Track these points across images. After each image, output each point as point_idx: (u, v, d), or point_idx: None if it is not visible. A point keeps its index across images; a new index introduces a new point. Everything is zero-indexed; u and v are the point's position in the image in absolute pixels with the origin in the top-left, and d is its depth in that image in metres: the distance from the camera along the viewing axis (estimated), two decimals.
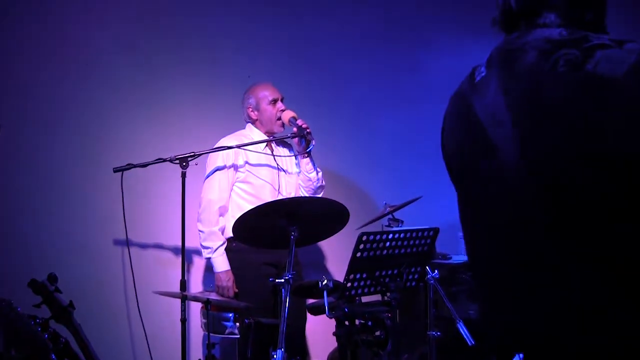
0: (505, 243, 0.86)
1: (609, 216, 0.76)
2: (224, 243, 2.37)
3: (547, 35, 0.83)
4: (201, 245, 2.38)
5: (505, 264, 0.86)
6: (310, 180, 2.48)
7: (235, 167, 2.39)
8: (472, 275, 0.96)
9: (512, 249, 0.85)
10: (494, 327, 0.89)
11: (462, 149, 0.94)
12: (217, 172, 2.36)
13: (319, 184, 2.50)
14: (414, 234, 1.96)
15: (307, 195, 2.49)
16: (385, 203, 2.61)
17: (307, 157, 2.45)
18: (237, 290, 2.37)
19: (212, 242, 2.34)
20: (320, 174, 2.51)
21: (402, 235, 1.93)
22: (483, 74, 0.90)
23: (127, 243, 2.28)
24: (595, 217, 0.77)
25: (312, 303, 2.31)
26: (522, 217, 0.82)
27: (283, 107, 2.46)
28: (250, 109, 2.48)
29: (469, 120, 0.91)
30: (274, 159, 2.46)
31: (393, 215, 2.58)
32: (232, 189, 2.40)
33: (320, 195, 2.51)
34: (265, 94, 2.46)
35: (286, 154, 2.54)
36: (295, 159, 2.54)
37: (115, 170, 2.20)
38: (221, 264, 2.35)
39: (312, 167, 2.47)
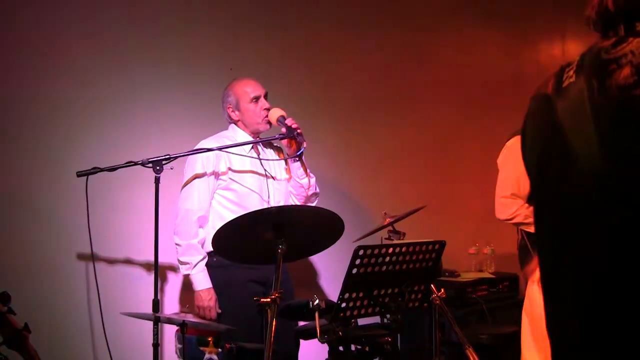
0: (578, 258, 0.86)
1: None
2: (204, 258, 2.36)
3: None
4: (178, 260, 2.37)
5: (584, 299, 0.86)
6: (302, 186, 2.48)
7: (216, 173, 2.39)
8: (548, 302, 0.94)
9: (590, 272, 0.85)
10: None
11: (542, 156, 0.95)
12: (196, 179, 2.36)
13: (312, 191, 2.50)
14: (417, 248, 1.96)
15: (298, 203, 2.49)
16: (385, 213, 2.61)
17: (298, 160, 2.45)
18: (219, 311, 2.36)
19: (191, 257, 2.34)
20: (313, 179, 2.51)
21: (403, 249, 1.93)
22: (572, 80, 0.89)
23: (92, 257, 2.27)
24: None
25: (302, 326, 2.31)
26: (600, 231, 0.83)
27: (267, 105, 2.46)
28: (231, 109, 2.48)
29: (552, 125, 0.91)
30: (261, 163, 2.46)
31: (394, 227, 2.59)
32: (212, 197, 2.40)
33: (313, 204, 2.51)
34: (246, 90, 2.45)
35: (275, 158, 2.54)
36: (285, 163, 2.54)
37: (79, 175, 2.19)
38: (202, 281, 2.34)
39: (303, 172, 2.47)
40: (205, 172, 2.37)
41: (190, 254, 2.34)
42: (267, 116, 2.44)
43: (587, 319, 0.85)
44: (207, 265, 2.37)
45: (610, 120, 0.83)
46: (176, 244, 2.36)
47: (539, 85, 0.97)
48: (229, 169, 2.39)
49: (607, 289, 0.83)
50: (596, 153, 0.84)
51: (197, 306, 2.34)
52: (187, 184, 2.38)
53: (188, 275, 2.35)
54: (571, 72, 0.90)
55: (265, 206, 2.38)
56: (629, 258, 0.80)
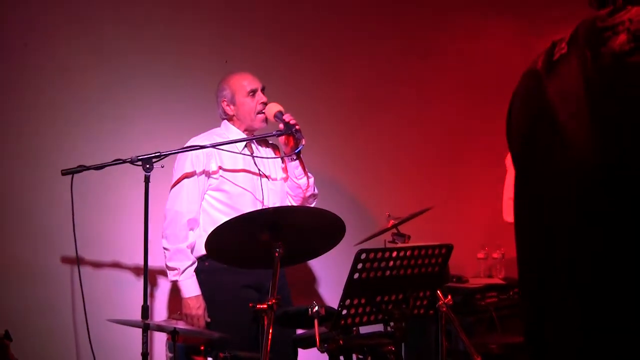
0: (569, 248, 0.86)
1: None
2: (193, 263, 2.36)
3: None
4: (166, 265, 2.37)
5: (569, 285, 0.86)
6: (299, 187, 2.47)
7: (207, 172, 2.38)
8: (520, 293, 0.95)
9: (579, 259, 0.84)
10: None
11: (528, 135, 0.94)
12: (185, 179, 2.36)
13: (310, 192, 2.50)
14: (422, 252, 1.96)
15: (296, 204, 2.48)
16: (389, 214, 2.61)
17: (296, 159, 2.45)
18: (208, 320, 2.36)
19: (179, 262, 2.34)
20: (312, 180, 2.51)
21: (408, 253, 1.93)
22: (563, 51, 0.89)
23: (78, 261, 2.27)
24: None
25: (301, 334, 2.31)
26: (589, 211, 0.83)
27: (264, 99, 2.46)
28: (226, 103, 2.48)
29: (540, 103, 0.91)
30: (255, 162, 2.46)
31: (398, 229, 2.59)
32: (203, 199, 2.40)
33: (312, 206, 2.50)
34: (243, 84, 2.46)
35: (270, 156, 2.53)
36: (282, 162, 2.54)
37: (64, 173, 2.19)
38: (190, 287, 2.34)
39: (301, 171, 2.46)
40: (195, 172, 2.37)
41: (179, 259, 2.34)
42: (263, 111, 2.43)
43: (585, 322, 0.85)
44: (198, 270, 2.37)
45: (602, 90, 0.83)
46: (164, 248, 2.37)
47: (530, 62, 0.97)
48: (220, 167, 2.39)
49: (603, 283, 0.82)
50: (587, 126, 0.83)
51: (185, 314, 2.34)
52: (175, 184, 2.38)
53: (176, 281, 2.35)
54: (563, 44, 0.90)
55: (259, 207, 2.38)
56: (624, 250, 0.80)
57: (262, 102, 2.44)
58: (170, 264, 2.35)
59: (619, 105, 0.81)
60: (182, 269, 2.33)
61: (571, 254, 0.86)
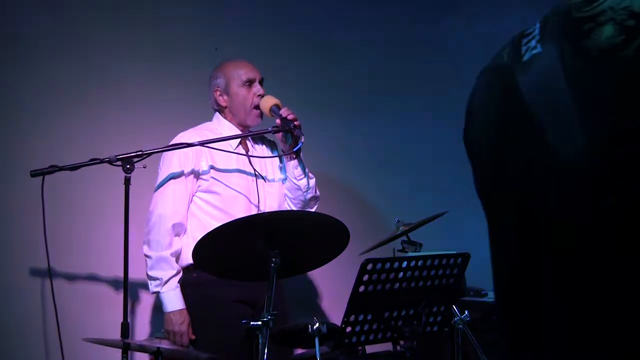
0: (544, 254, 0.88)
1: None
2: (177, 273, 2.36)
3: (627, 4, 0.83)
4: (147, 275, 2.37)
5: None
6: (299, 188, 2.48)
7: (196, 173, 2.39)
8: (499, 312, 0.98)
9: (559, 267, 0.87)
10: None
11: (503, 136, 0.95)
12: (172, 179, 2.36)
13: (311, 194, 2.51)
14: (436, 262, 1.96)
15: (295, 208, 2.48)
16: (398, 220, 2.61)
17: (294, 158, 2.45)
18: (193, 337, 2.36)
19: (162, 272, 2.33)
20: (313, 180, 2.51)
21: (420, 263, 1.93)
22: (535, 52, 0.90)
23: (50, 273, 2.26)
24: None
25: (300, 354, 2.31)
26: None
27: (261, 92, 2.46)
28: (218, 93, 2.48)
29: (515, 101, 0.91)
30: (250, 161, 2.46)
31: (408, 237, 2.59)
32: (191, 201, 2.40)
33: (312, 210, 2.50)
34: (239, 72, 2.46)
35: (267, 155, 2.53)
36: (280, 161, 2.54)
37: (34, 174, 2.18)
38: (172, 301, 2.34)
39: (301, 171, 2.47)
40: (183, 172, 2.36)
41: (161, 267, 2.33)
42: (258, 106, 2.43)
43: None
44: (185, 282, 2.37)
45: (592, 87, 0.84)
46: (145, 256, 2.36)
47: (492, 58, 0.97)
48: (211, 167, 2.39)
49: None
50: (577, 128, 0.84)
51: (167, 331, 2.34)
52: (160, 186, 2.38)
53: (157, 293, 2.35)
54: (533, 42, 0.90)
55: (254, 211, 2.38)
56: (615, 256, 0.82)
57: (259, 95, 2.45)
58: (151, 274, 2.35)
59: (612, 103, 0.82)
60: (164, 279, 2.33)
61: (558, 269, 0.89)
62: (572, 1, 0.88)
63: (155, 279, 2.34)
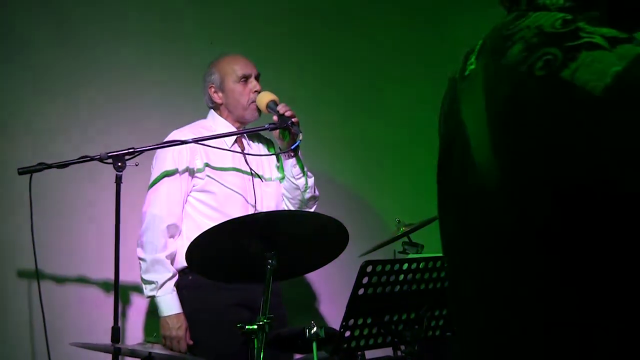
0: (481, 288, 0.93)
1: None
2: (173, 276, 2.36)
3: (541, 23, 0.88)
4: (142, 278, 2.37)
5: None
6: (297, 188, 2.48)
7: (191, 171, 2.38)
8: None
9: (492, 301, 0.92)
10: None
11: (446, 150, 1.01)
12: (166, 178, 2.36)
13: (309, 194, 2.51)
14: (438, 264, 1.96)
15: (293, 208, 2.49)
16: (399, 221, 2.61)
17: (293, 156, 2.45)
18: (191, 342, 2.36)
19: (157, 275, 2.33)
20: (312, 180, 2.51)
21: (421, 265, 1.94)
22: (472, 67, 0.96)
23: (37, 275, 2.25)
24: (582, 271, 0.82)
25: (298, 359, 2.30)
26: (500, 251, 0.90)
27: (258, 88, 2.46)
28: (213, 90, 2.48)
29: (456, 118, 0.97)
30: (245, 159, 2.45)
31: (409, 238, 2.59)
32: (186, 201, 2.40)
33: (311, 210, 2.50)
34: (234, 68, 2.46)
35: (264, 153, 2.53)
36: (277, 160, 2.54)
37: (21, 172, 2.18)
38: (169, 304, 2.34)
39: (299, 170, 2.47)
40: (177, 170, 2.36)
41: (156, 270, 2.33)
42: (254, 102, 2.43)
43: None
44: (180, 285, 2.37)
45: (501, 109, 0.88)
46: (140, 259, 2.36)
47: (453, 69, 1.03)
48: (206, 165, 2.39)
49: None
50: (489, 150, 0.89)
51: (163, 336, 2.34)
52: (154, 185, 2.38)
53: (153, 297, 2.35)
54: (473, 59, 0.96)
55: (251, 211, 2.38)
56: (522, 272, 0.87)
57: (255, 91, 2.45)
58: (146, 277, 2.34)
59: (516, 127, 0.87)
60: (160, 282, 2.32)
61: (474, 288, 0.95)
62: (505, 19, 0.94)
63: (150, 282, 2.34)
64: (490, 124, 0.89)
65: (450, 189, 1.00)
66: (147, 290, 2.35)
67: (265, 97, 2.42)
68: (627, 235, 0.80)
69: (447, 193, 1.01)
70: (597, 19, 0.88)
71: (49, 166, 2.20)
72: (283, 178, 2.52)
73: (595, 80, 0.80)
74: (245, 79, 2.46)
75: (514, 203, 0.86)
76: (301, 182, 2.48)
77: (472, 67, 0.95)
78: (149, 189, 2.40)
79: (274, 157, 2.55)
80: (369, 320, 1.91)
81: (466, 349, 0.97)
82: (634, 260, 0.80)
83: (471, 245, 0.94)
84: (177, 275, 2.37)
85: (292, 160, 2.46)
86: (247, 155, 2.47)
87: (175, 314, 2.34)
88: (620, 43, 0.83)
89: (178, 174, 2.37)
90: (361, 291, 1.86)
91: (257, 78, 2.48)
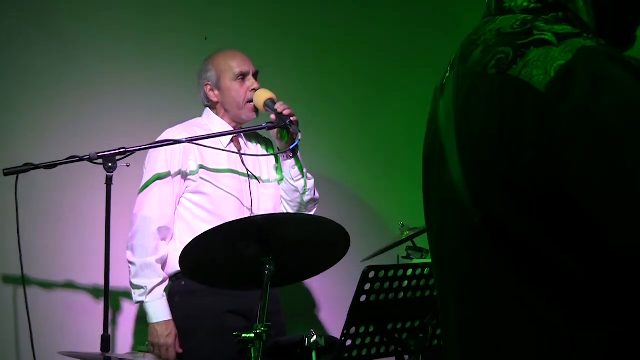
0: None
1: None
2: (163, 281, 2.36)
3: (502, 26, 0.93)
4: (131, 283, 2.37)
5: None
6: (296, 190, 2.47)
7: (183, 173, 2.38)
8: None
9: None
10: None
11: (427, 157, 1.06)
12: (158, 180, 2.36)
13: (309, 197, 2.50)
14: None
15: (292, 211, 2.48)
16: (403, 224, 2.61)
17: (292, 157, 2.44)
18: (180, 351, 2.35)
19: (146, 280, 2.33)
20: (311, 182, 2.51)
21: (426, 271, 1.93)
22: (447, 75, 1.00)
23: (23, 280, 2.24)
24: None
25: None
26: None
27: (256, 86, 2.46)
28: (209, 87, 2.48)
29: (435, 125, 1.02)
30: (242, 160, 2.45)
31: (414, 242, 2.58)
32: (179, 203, 2.39)
33: (311, 213, 2.50)
34: (231, 65, 2.46)
35: (261, 153, 2.53)
36: (276, 160, 2.54)
37: (7, 173, 2.17)
38: (158, 311, 2.33)
39: (298, 172, 2.46)
40: (170, 171, 2.36)
41: (146, 275, 2.33)
42: (252, 101, 2.43)
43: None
44: (173, 291, 2.37)
45: (459, 107, 0.93)
46: (129, 262, 2.36)
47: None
48: (200, 166, 2.38)
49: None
50: (455, 148, 0.94)
51: (152, 343, 2.34)
52: (145, 187, 2.37)
53: (142, 303, 2.35)
54: (449, 68, 1.01)
55: (247, 214, 2.37)
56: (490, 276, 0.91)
57: (253, 89, 2.45)
58: (135, 282, 2.34)
59: (470, 128, 0.91)
60: (149, 287, 2.32)
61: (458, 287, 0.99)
62: (478, 25, 0.99)
63: (139, 287, 2.33)
64: (455, 127, 0.94)
65: (432, 196, 1.04)
66: (136, 295, 2.35)
67: (263, 95, 2.42)
68: (582, 234, 0.83)
69: (429, 200, 1.06)
70: (562, 19, 0.91)
71: (36, 167, 2.20)
72: (281, 179, 2.51)
73: (541, 76, 0.84)
74: (243, 76, 2.45)
75: (479, 204, 0.90)
76: (300, 184, 2.47)
77: (447, 75, 1.00)
78: (140, 191, 2.39)
79: (272, 157, 2.54)
80: (371, 329, 1.91)
81: (446, 343, 1.01)
82: (595, 256, 0.83)
83: (451, 247, 0.98)
84: (168, 280, 2.37)
85: (291, 161, 2.45)
86: (243, 156, 2.46)
87: (165, 321, 2.33)
88: (569, 38, 0.86)
89: (170, 176, 2.36)
90: (363, 298, 1.86)
91: (255, 76, 2.48)
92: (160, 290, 2.34)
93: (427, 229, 1.08)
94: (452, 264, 0.97)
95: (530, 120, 0.84)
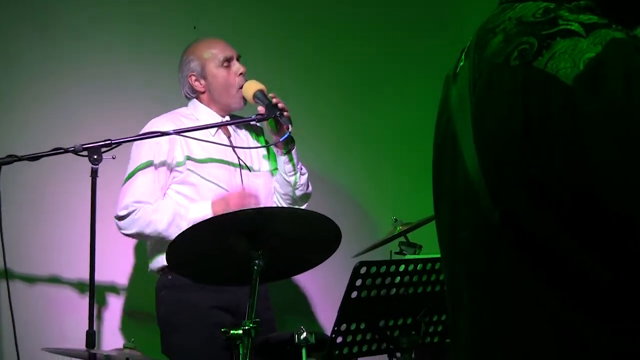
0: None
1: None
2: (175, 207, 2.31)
3: (523, 14, 0.90)
4: (159, 235, 2.29)
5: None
6: (289, 184, 2.47)
7: (169, 164, 2.37)
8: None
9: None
10: None
11: (438, 148, 1.04)
12: (141, 171, 2.34)
13: (301, 192, 2.50)
14: (436, 266, 1.96)
15: (284, 205, 2.48)
16: (395, 220, 2.61)
17: (285, 153, 2.43)
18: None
19: (163, 213, 2.28)
20: (305, 177, 2.50)
21: (419, 266, 1.94)
22: (462, 63, 0.98)
23: (6, 275, 2.26)
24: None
25: None
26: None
27: (242, 69, 2.44)
28: (194, 78, 2.46)
29: (447, 115, 1.00)
30: (233, 149, 2.45)
31: (407, 238, 2.59)
32: (165, 194, 2.38)
33: (302, 207, 2.50)
34: (213, 52, 2.44)
35: (251, 142, 2.53)
36: (267, 151, 2.53)
37: None
38: (201, 207, 2.27)
39: (292, 168, 2.45)
40: (154, 162, 2.34)
41: (158, 211, 2.27)
42: (242, 87, 2.42)
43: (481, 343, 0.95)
44: (159, 285, 2.37)
45: (478, 105, 0.91)
46: (134, 234, 2.32)
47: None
48: (187, 157, 2.37)
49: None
50: (470, 141, 0.92)
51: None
52: (129, 177, 2.35)
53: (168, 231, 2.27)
54: (463, 55, 0.99)
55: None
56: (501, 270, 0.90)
57: (240, 73, 2.43)
58: (153, 218, 2.27)
59: (490, 121, 0.89)
60: (171, 211, 2.27)
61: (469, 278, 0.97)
62: (493, 12, 0.97)
63: (168, 222, 2.26)
64: (472, 119, 0.92)
65: (443, 187, 1.02)
66: (171, 230, 2.24)
67: (253, 86, 2.40)
68: (610, 235, 0.81)
69: (440, 191, 1.04)
70: (585, 8, 0.89)
71: (20, 158, 2.19)
72: (275, 169, 2.51)
73: (568, 69, 0.81)
74: (228, 61, 2.44)
75: (498, 201, 0.88)
76: (294, 179, 2.47)
77: (462, 63, 0.98)
78: (124, 182, 2.37)
79: (264, 148, 2.53)
80: (362, 326, 1.91)
81: (457, 342, 1.00)
82: (614, 255, 0.82)
83: (464, 243, 0.96)
84: (158, 275, 2.37)
85: (285, 158, 2.44)
86: (234, 147, 2.45)
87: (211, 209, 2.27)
88: (597, 29, 0.83)
89: (154, 167, 2.34)
90: (354, 294, 1.86)
91: (238, 60, 2.47)
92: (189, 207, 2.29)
93: (435, 217, 1.06)
94: (466, 260, 0.96)
95: (556, 115, 0.81)
